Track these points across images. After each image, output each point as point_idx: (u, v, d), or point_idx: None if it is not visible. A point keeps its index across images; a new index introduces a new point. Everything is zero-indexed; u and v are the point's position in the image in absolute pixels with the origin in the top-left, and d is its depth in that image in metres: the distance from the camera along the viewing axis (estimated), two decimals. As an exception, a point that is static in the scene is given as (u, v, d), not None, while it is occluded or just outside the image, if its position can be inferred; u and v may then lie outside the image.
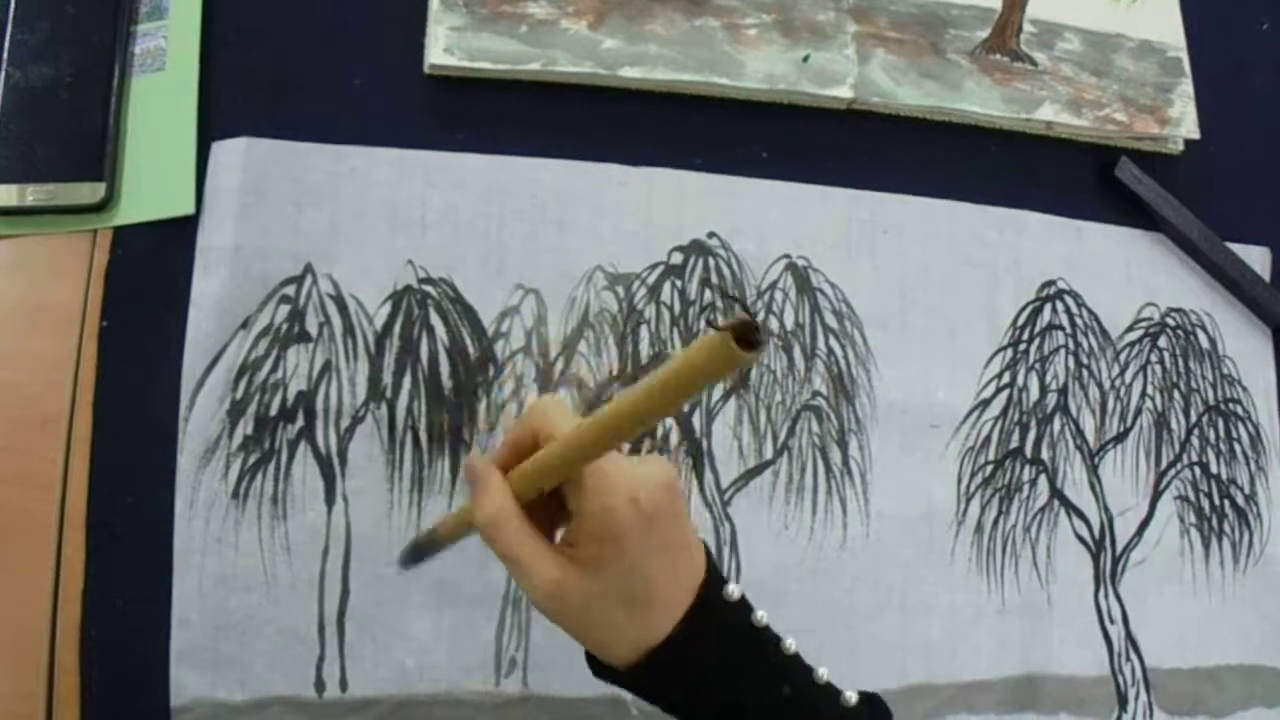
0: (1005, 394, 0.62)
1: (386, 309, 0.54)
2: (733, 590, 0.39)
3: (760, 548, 0.56)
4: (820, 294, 0.60)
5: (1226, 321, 0.68)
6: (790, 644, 0.39)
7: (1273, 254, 0.70)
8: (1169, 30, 0.68)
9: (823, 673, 0.40)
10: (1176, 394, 0.66)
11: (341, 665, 0.50)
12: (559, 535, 0.40)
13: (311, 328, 0.53)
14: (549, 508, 0.39)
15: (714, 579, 0.39)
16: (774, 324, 0.59)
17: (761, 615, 0.39)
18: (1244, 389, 0.67)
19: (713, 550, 0.41)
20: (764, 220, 0.60)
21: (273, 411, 0.52)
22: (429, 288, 0.54)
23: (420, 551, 0.46)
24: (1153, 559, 0.63)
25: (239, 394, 0.51)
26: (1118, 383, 0.65)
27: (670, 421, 0.56)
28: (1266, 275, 0.69)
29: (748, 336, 0.26)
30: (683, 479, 0.56)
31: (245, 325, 0.52)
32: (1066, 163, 0.67)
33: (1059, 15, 0.67)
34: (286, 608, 0.50)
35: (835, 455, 0.58)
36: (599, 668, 0.40)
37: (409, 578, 0.51)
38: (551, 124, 0.58)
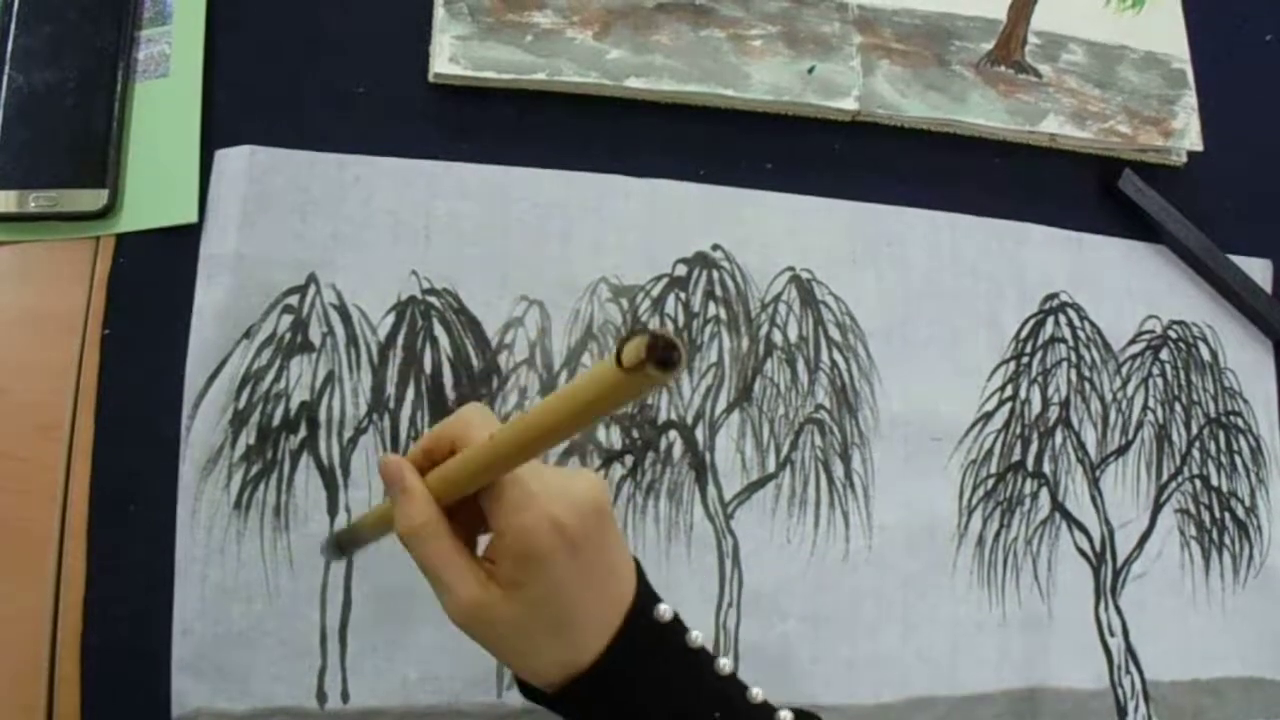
0: (1007, 407, 0.62)
1: (390, 319, 0.54)
2: (664, 611, 0.37)
3: (763, 561, 0.56)
4: (824, 306, 0.60)
5: (1228, 334, 0.68)
6: (724, 664, 0.38)
7: (1274, 266, 0.70)
8: (1173, 42, 0.68)
9: (756, 693, 0.38)
10: (1178, 406, 0.66)
11: (343, 677, 0.50)
12: (482, 545, 0.38)
13: (314, 338, 0.53)
14: (472, 513, 0.36)
15: (644, 600, 0.37)
16: (778, 337, 0.59)
17: (696, 636, 0.37)
18: (1245, 401, 0.67)
19: (644, 567, 0.39)
20: (768, 232, 0.60)
21: (275, 422, 0.51)
22: (433, 298, 0.54)
23: (342, 546, 0.46)
24: (1153, 572, 0.63)
25: (241, 404, 0.51)
26: (1119, 395, 0.65)
27: (674, 434, 0.56)
28: (1268, 287, 0.69)
29: (664, 356, 0.24)
30: (686, 492, 0.56)
31: (248, 335, 0.52)
32: (1070, 175, 0.67)
33: (1063, 27, 0.67)
34: (289, 618, 0.50)
35: (838, 468, 0.58)
36: (526, 689, 0.38)
37: (412, 588, 0.51)
38: (556, 134, 0.58)
